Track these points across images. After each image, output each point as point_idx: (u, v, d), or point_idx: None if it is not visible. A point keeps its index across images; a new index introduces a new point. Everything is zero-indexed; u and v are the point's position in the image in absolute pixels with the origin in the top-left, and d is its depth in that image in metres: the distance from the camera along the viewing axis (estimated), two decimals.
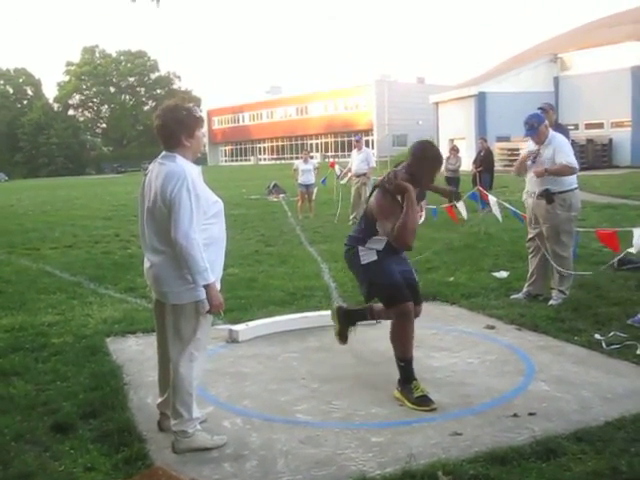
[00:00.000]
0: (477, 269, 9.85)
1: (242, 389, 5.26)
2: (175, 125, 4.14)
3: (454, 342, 6.45)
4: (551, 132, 7.66)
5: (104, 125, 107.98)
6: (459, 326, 7.01)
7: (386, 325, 5.63)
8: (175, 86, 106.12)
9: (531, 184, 7.78)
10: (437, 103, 53.73)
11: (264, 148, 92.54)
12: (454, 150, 19.63)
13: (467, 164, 47.02)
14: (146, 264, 4.28)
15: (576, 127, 46.00)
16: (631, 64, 42.76)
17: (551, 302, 7.60)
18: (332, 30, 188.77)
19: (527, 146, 7.96)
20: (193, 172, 4.09)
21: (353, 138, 18.11)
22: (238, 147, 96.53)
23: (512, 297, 7.98)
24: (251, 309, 7.75)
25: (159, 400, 4.58)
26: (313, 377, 5.47)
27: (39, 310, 8.13)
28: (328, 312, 7.18)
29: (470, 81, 52.67)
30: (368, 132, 75.42)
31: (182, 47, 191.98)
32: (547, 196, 7.50)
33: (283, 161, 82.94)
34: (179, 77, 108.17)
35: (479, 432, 4.32)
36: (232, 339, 6.54)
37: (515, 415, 4.56)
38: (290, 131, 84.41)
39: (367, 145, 73.80)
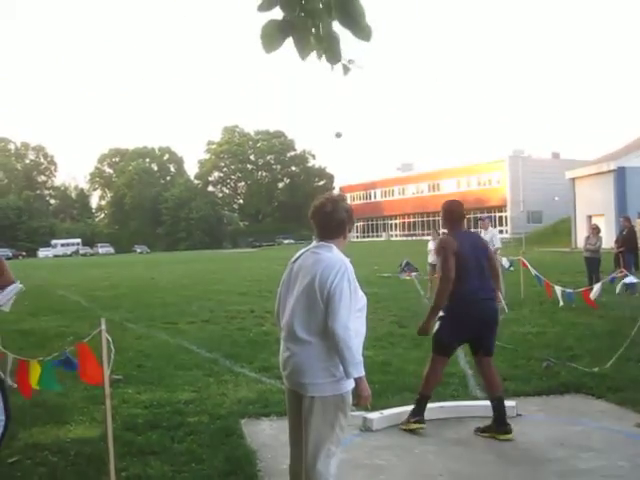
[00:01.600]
0: (625, 359, 9.24)
1: None
2: (345, 215, 4.20)
3: (602, 442, 6.00)
4: None
5: (241, 201, 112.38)
6: (607, 423, 6.54)
7: (529, 420, 5.36)
8: (309, 164, 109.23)
9: None
10: (574, 179, 52.41)
11: (395, 224, 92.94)
12: (595, 229, 18.84)
13: (607, 243, 45.34)
14: (285, 353, 4.16)
15: None
16: None
17: None
18: (463, 104, 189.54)
19: None
20: (350, 266, 4.08)
21: (479, 216, 17.81)
22: (370, 223, 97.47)
23: None
24: (385, 395, 7.58)
25: None
26: (451, 474, 5.23)
27: (176, 387, 8.31)
28: (466, 402, 6.97)
29: (609, 156, 51.08)
30: (501, 208, 74.41)
31: (317, 125, 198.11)
32: None
33: (414, 237, 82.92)
34: (313, 155, 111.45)
35: None
36: (366, 427, 6.39)
37: None
38: (422, 207, 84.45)
39: (501, 222, 73.00)
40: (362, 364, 3.94)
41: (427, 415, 6.69)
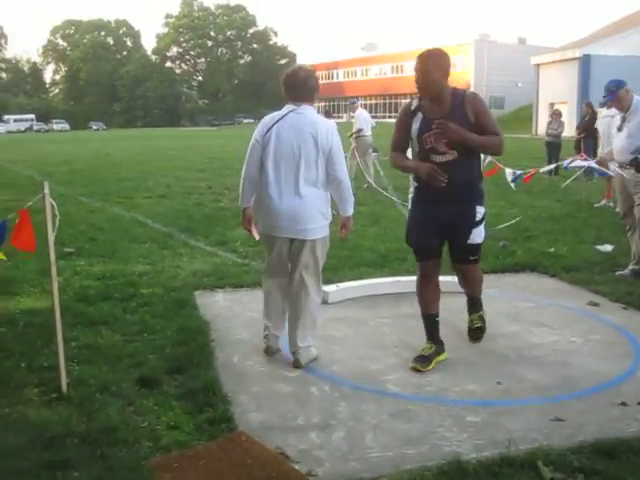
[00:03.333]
0: (579, 241, 9.33)
1: (331, 354, 5.06)
2: (315, 83, 4.82)
3: (554, 318, 6.05)
4: (637, 97, 7.09)
5: (200, 78, 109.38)
6: (560, 301, 6.59)
7: (482, 296, 5.35)
8: (271, 41, 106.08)
9: (618, 154, 7.22)
10: (538, 65, 51.91)
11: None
12: (556, 114, 18.77)
13: (569, 130, 45.45)
14: (282, 206, 4.64)
15: None
16: None
17: None
18: None
19: (604, 114, 7.57)
20: None
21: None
22: (331, 104, 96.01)
23: (617, 273, 7.47)
24: (342, 270, 7.53)
25: (275, 329, 5.01)
26: (405, 346, 5.22)
27: (130, 259, 8.16)
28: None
29: (574, 43, 50.48)
30: None
31: (279, 1, 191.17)
32: (638, 165, 6.94)
33: (376, 119, 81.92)
34: (276, 32, 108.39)
35: (583, 419, 3.98)
36: (322, 301, 6.33)
37: (623, 404, 4.18)
38: (384, 89, 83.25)
39: None
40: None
41: (383, 289, 6.69)
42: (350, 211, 4.83)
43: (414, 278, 6.79)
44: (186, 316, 5.78)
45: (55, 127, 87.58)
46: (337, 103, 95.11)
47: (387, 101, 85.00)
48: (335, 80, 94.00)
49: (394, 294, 6.63)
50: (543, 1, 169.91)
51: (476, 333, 5.21)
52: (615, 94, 7.00)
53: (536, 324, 5.84)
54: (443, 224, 4.77)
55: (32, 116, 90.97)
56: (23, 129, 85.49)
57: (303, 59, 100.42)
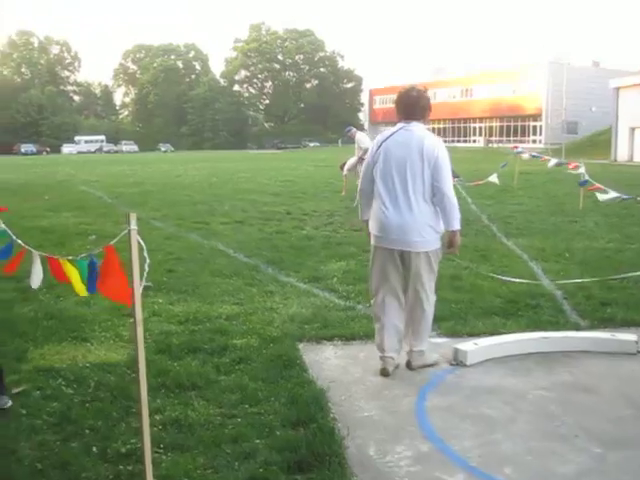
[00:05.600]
0: None
1: (495, 445, 3.78)
2: (426, 102, 4.98)
3: None
4: None
5: (267, 101, 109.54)
6: None
7: None
8: (338, 65, 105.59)
9: None
10: (617, 88, 49.59)
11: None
12: None
13: None
14: (393, 219, 4.81)
15: None
16: None
17: None
18: (500, 8, 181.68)
19: None
20: None
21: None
22: None
23: None
24: (467, 318, 6.27)
25: (390, 347, 4.95)
26: (589, 435, 3.91)
27: (214, 297, 7.05)
28: (574, 334, 5.65)
29: None
30: (536, 117, 71.69)
31: (347, 26, 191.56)
32: None
33: (445, 143, 79.97)
34: (342, 56, 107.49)
35: None
36: (458, 361, 5.09)
37: None
38: (453, 113, 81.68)
39: (535, 132, 70.58)
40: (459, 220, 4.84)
41: (528, 347, 5.40)
42: (456, 226, 4.81)
43: (565, 334, 5.59)
44: (295, 380, 4.58)
45: (124, 148, 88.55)
46: None
47: (456, 125, 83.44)
48: None
49: (542, 354, 5.33)
50: (617, 24, 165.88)
51: None
52: None
53: None
54: None
55: (102, 137, 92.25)
56: (93, 150, 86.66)
57: (370, 83, 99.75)
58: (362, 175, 5.09)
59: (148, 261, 3.13)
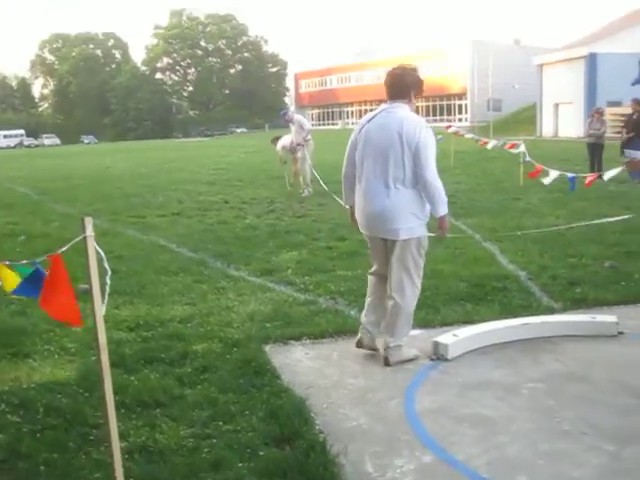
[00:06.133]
0: None
1: (501, 450, 3.44)
2: (411, 80, 4.67)
3: None
4: None
5: (191, 88, 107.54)
6: None
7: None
8: (262, 49, 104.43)
9: None
10: (541, 65, 50.36)
11: (352, 112, 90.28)
12: (598, 113, 17.21)
13: (576, 131, 43.93)
14: (372, 206, 4.63)
15: None
16: None
17: None
18: None
19: None
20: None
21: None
22: (325, 111, 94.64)
23: None
24: (436, 306, 5.95)
25: (368, 320, 4.87)
26: (596, 431, 3.61)
27: (164, 298, 6.55)
28: (553, 318, 5.39)
29: (578, 41, 49.00)
30: (461, 96, 72.42)
31: (269, 10, 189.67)
32: None
33: None
34: (266, 41, 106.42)
35: None
36: (439, 355, 4.75)
37: None
38: (379, 95, 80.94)
39: (460, 111, 71.39)
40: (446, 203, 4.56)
41: (510, 335, 5.11)
42: (441, 211, 4.58)
43: (544, 319, 5.33)
44: (269, 389, 4.15)
45: (46, 142, 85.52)
46: (331, 110, 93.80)
47: None
48: (328, 87, 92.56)
49: (522, 341, 5.05)
50: (535, 3, 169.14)
51: None
52: None
53: None
54: None
55: (22, 131, 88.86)
56: (13, 145, 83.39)
57: (296, 67, 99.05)
58: (345, 159, 4.87)
59: (109, 273, 2.66)
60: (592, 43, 45.36)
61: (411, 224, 4.56)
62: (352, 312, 5.90)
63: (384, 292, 4.81)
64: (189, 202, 14.59)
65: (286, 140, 16.15)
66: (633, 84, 8.09)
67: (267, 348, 5.01)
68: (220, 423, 3.73)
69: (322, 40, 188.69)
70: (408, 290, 4.68)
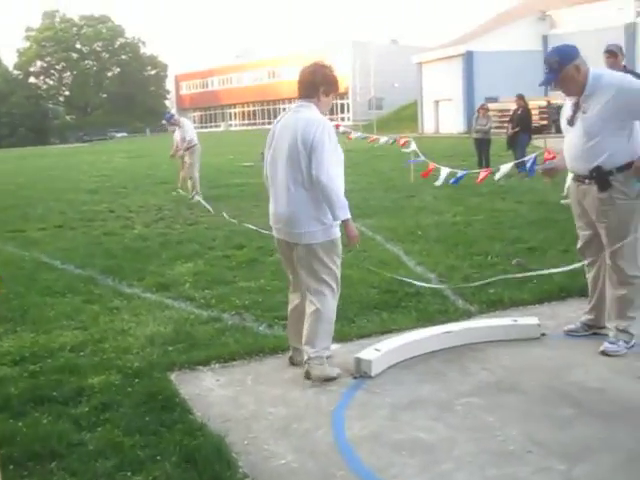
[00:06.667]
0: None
1: (444, 478, 3.12)
2: (319, 78, 4.46)
3: None
4: (603, 74, 4.61)
5: (67, 93, 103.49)
6: None
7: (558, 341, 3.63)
8: (141, 51, 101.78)
9: (571, 159, 4.75)
10: (420, 63, 51.43)
11: (234, 114, 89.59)
12: (484, 109, 17.48)
13: (455, 127, 45.03)
14: (277, 207, 4.49)
15: None
16: (624, 21, 40.86)
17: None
18: None
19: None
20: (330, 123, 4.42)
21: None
22: (207, 113, 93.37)
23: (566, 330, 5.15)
24: (349, 316, 5.61)
25: (294, 339, 4.65)
26: (542, 448, 3.36)
27: (50, 323, 5.90)
28: (475, 324, 5.18)
29: (455, 40, 50.36)
30: (343, 96, 73.01)
31: (147, 11, 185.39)
32: (600, 178, 4.54)
33: (254, 127, 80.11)
34: (144, 42, 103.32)
35: None
36: (361, 372, 4.40)
37: None
38: (261, 96, 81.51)
39: (342, 110, 72.22)
40: (347, 207, 4.30)
41: (432, 345, 4.84)
42: (340, 216, 4.31)
43: (464, 326, 5.10)
44: (181, 427, 3.67)
45: None
46: (213, 112, 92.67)
47: (265, 107, 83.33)
48: (210, 89, 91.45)
49: (445, 351, 4.79)
50: (409, 3, 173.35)
51: None
52: (560, 72, 4.50)
53: None
54: None
55: None
56: None
57: (176, 68, 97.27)
58: (263, 161, 4.69)
59: None
60: (469, 41, 46.73)
61: (313, 228, 4.34)
62: (261, 328, 5.49)
63: (298, 306, 4.61)
64: (72, 213, 13.69)
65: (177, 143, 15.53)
66: (541, 85, 8.18)
67: (173, 376, 4.51)
68: (128, 474, 3.24)
69: (203, 41, 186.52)
70: (325, 295, 4.42)
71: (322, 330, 4.42)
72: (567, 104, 4.81)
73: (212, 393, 4.26)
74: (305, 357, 4.43)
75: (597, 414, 3.75)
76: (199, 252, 8.80)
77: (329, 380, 4.36)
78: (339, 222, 4.39)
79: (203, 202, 13.65)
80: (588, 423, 3.65)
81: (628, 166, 4.47)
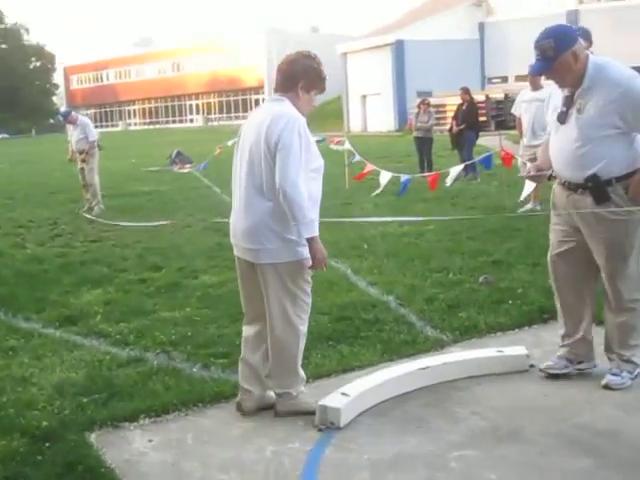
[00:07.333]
0: None
1: None
2: (299, 70, 4.20)
3: None
4: (606, 64, 4.27)
5: None
6: None
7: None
8: (24, 40, 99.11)
9: (560, 165, 4.49)
10: (345, 54, 51.57)
11: (134, 111, 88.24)
12: (424, 104, 17.43)
13: (385, 124, 45.34)
14: (234, 221, 4.31)
15: (504, 80, 45.21)
16: (566, 8, 42.04)
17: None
18: None
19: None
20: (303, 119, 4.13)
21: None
22: (103, 110, 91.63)
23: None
24: (317, 355, 5.25)
25: (246, 382, 4.38)
26: None
27: None
28: (455, 357, 4.93)
29: (384, 28, 50.79)
30: (258, 90, 72.81)
31: None
32: (597, 189, 4.30)
33: (158, 125, 79.11)
34: (27, 29, 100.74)
35: None
36: (327, 423, 4.05)
37: None
38: (165, 91, 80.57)
39: (257, 105, 72.33)
40: (315, 224, 4.06)
41: (408, 384, 4.54)
42: (305, 232, 4.00)
43: (442, 360, 4.83)
44: None
45: None
46: (110, 109, 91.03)
47: (169, 103, 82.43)
48: (105, 82, 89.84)
49: (425, 391, 4.52)
50: None
51: None
52: (555, 60, 4.20)
53: None
54: None
55: None
56: None
57: (66, 60, 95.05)
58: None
59: None
60: (398, 30, 47.19)
61: (274, 245, 4.10)
62: (195, 370, 5.09)
63: (255, 340, 4.41)
64: None
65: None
66: (530, 74, 8.13)
67: (93, 438, 4.05)
68: None
69: (95, 28, 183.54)
70: (289, 327, 4.23)
71: (289, 365, 4.30)
72: (558, 94, 4.60)
73: (145, 458, 3.82)
74: (275, 393, 4.36)
75: (617, 464, 3.55)
76: (108, 276, 8.30)
77: (301, 413, 4.24)
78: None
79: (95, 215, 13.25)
80: (609, 477, 3.41)
81: (628, 176, 4.27)
